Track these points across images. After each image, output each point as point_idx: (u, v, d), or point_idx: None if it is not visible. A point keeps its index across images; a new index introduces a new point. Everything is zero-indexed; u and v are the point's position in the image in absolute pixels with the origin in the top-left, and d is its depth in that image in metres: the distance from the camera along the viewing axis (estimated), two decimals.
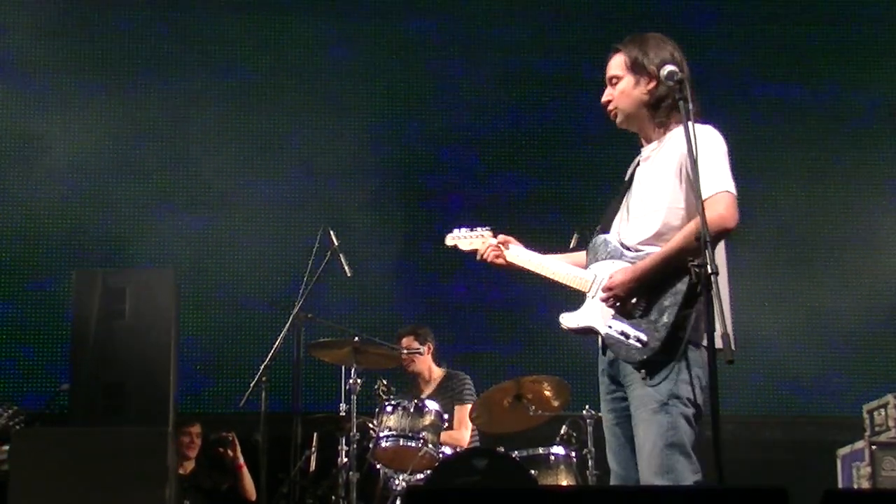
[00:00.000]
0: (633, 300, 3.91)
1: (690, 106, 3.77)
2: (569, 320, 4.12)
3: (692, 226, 3.82)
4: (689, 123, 3.73)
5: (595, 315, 4.03)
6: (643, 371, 3.83)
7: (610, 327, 3.97)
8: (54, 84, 8.49)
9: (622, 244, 4.05)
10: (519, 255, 4.33)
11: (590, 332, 4.07)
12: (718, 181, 3.87)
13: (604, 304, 3.99)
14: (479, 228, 4.47)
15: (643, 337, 3.86)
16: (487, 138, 8.83)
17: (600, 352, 4.08)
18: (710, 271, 3.54)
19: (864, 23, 9.06)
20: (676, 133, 3.94)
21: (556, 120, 8.83)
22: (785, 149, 8.77)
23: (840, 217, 8.64)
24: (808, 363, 8.46)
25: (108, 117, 8.46)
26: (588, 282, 4.08)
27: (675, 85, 3.84)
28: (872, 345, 8.52)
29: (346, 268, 6.70)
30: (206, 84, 8.64)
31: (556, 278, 4.21)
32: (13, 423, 5.58)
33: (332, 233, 6.74)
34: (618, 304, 3.94)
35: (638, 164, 4.17)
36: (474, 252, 4.44)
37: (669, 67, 3.88)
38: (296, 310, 6.56)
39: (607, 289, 3.96)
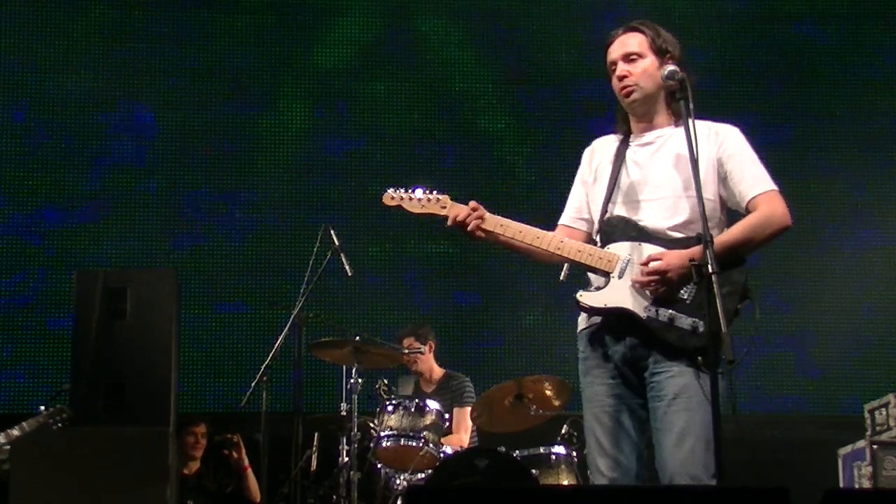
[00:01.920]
0: (682, 286, 3.79)
1: (691, 105, 3.79)
2: (593, 300, 3.90)
3: (758, 218, 3.89)
4: (690, 122, 3.75)
5: (627, 297, 3.85)
6: (700, 359, 3.69)
7: (654, 311, 3.80)
8: (55, 83, 8.48)
9: (644, 227, 3.92)
10: (505, 224, 3.99)
11: (616, 314, 3.87)
12: (766, 178, 3.97)
13: (640, 286, 3.82)
14: (427, 191, 4.07)
15: (699, 324, 3.73)
16: (492, 136, 8.83)
17: (612, 336, 3.90)
18: (710, 270, 3.55)
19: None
20: (702, 126, 3.95)
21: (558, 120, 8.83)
22: (787, 147, 8.77)
23: (841, 216, 8.63)
24: (808, 362, 8.45)
25: (107, 116, 8.47)
26: (616, 260, 3.89)
27: (675, 84, 3.85)
28: (873, 344, 8.51)
29: (347, 267, 6.70)
30: (208, 82, 8.64)
31: (561, 253, 3.96)
32: (53, 422, 5.45)
33: (332, 232, 6.74)
34: (663, 287, 3.78)
35: (625, 146, 4.06)
36: (427, 216, 4.06)
37: (670, 67, 3.89)
38: (297, 309, 6.56)
39: (657, 271, 3.78)
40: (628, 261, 3.88)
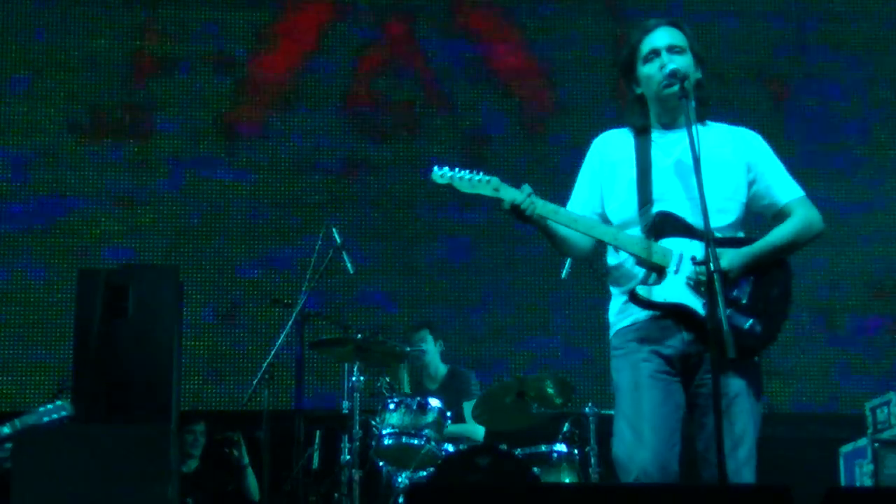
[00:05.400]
0: (738, 286, 3.82)
1: (693, 104, 3.80)
2: (653, 294, 3.85)
3: (801, 222, 3.96)
4: (692, 121, 3.76)
5: (685, 293, 3.82)
6: (756, 359, 3.70)
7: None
8: (53, 79, 8.50)
9: (691, 225, 3.87)
10: (557, 210, 3.91)
11: (674, 310, 3.84)
12: (796, 184, 4.04)
13: (696, 283, 3.79)
14: (473, 171, 3.98)
15: (756, 325, 3.77)
16: (492, 136, 8.83)
17: (672, 330, 3.84)
18: (713, 269, 3.56)
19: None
20: (723, 129, 4.01)
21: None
22: (787, 145, 8.76)
23: (842, 214, 8.62)
24: (810, 360, 8.46)
25: (108, 115, 8.47)
26: (671, 255, 3.85)
27: (676, 82, 3.85)
28: (875, 342, 8.52)
29: (349, 265, 6.71)
30: (206, 81, 8.64)
31: (617, 244, 3.91)
32: (51, 420, 5.40)
33: (335, 231, 6.75)
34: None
35: (647, 140, 4.01)
36: (476, 196, 3.99)
37: (672, 66, 3.88)
38: (299, 307, 6.56)
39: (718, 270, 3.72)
40: (681, 257, 3.85)
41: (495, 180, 3.94)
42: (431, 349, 7.37)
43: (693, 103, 3.82)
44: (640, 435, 3.79)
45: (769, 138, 4.14)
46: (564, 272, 5.28)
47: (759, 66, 8.89)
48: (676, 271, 3.84)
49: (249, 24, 8.75)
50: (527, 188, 3.89)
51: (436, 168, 4.02)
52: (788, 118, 8.81)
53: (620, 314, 4.00)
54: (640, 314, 3.92)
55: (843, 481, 7.01)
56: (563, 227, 3.95)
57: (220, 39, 8.70)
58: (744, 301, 3.83)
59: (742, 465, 3.71)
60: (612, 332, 4.04)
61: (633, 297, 3.88)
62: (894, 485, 6.58)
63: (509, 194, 3.89)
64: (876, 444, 6.76)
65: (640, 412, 3.83)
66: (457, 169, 4.00)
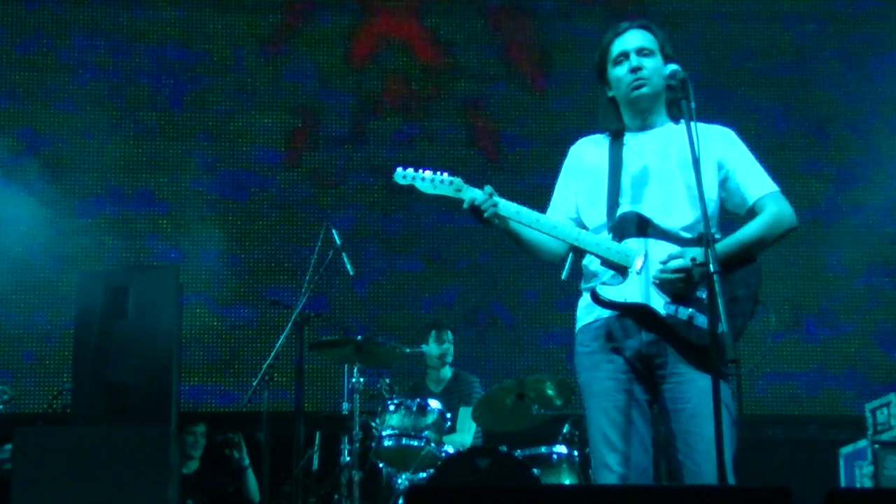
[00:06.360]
0: (700, 285, 3.77)
1: (693, 104, 3.79)
2: (613, 294, 3.85)
3: (769, 218, 3.91)
4: (693, 123, 3.74)
5: (647, 293, 3.83)
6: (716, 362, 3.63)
7: (674, 309, 3.79)
8: (53, 81, 8.50)
9: (656, 225, 3.88)
10: (521, 211, 3.93)
11: (635, 309, 3.84)
12: (768, 179, 3.99)
13: (661, 283, 3.80)
14: (437, 172, 4.03)
15: (716, 323, 3.67)
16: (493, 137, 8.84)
17: (632, 330, 3.85)
18: (711, 270, 3.56)
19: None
20: (701, 129, 3.92)
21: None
22: (782, 146, 8.76)
23: (842, 215, 8.63)
24: (810, 361, 8.46)
25: (108, 115, 8.47)
26: (633, 256, 3.86)
27: (677, 84, 3.84)
28: (875, 343, 8.52)
29: (349, 266, 6.71)
30: (206, 83, 8.64)
31: (578, 245, 3.93)
32: None
33: (334, 231, 6.75)
34: (683, 285, 3.77)
35: (620, 143, 4.02)
36: (439, 197, 4.04)
37: (672, 66, 3.88)
38: (299, 308, 6.56)
39: (681, 269, 3.76)
40: (645, 257, 3.86)
41: (458, 181, 3.99)
42: (451, 351, 7.37)
43: (693, 104, 3.82)
44: (611, 442, 3.82)
45: None
46: (565, 273, 5.27)
47: None
48: (639, 271, 3.85)
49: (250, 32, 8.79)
50: (488, 188, 3.93)
51: (399, 169, 4.07)
52: None
53: (585, 311, 4.02)
54: (603, 313, 3.93)
55: (843, 482, 7.02)
56: (529, 230, 3.97)
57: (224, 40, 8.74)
58: (705, 301, 3.77)
59: (703, 473, 3.68)
60: (577, 327, 4.05)
61: (594, 297, 3.90)
62: (894, 486, 6.58)
63: (469, 194, 3.94)
64: (876, 446, 6.77)
65: (608, 417, 3.85)
66: (420, 170, 4.04)
